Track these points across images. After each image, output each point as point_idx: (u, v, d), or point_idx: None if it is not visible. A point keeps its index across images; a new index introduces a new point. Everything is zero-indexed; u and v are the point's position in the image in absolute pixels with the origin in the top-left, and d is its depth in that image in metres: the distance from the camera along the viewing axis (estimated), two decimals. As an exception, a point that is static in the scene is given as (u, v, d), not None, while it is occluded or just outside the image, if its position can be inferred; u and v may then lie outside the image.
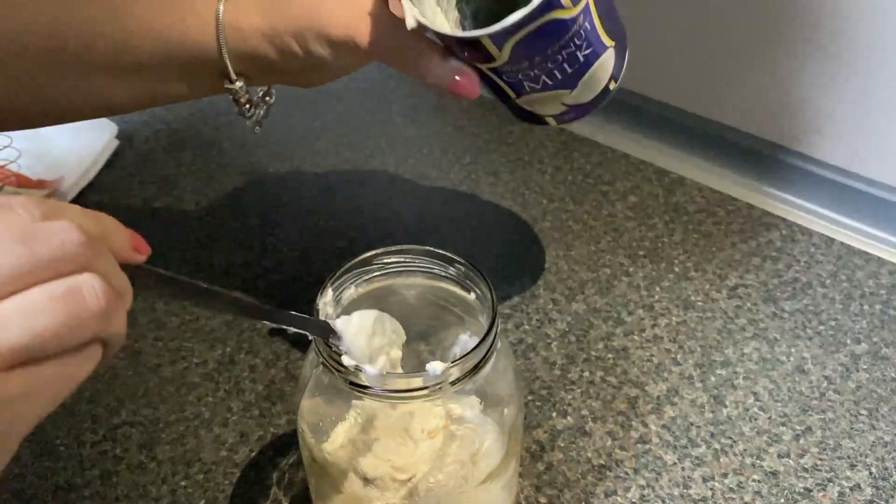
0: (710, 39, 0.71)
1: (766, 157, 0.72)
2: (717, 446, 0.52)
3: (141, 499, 0.49)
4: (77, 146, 0.74)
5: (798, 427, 0.53)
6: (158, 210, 0.70)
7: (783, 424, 0.53)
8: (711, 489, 0.50)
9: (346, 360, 0.36)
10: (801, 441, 0.52)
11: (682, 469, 0.51)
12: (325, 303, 0.39)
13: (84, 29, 0.47)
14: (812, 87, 0.67)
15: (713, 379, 0.56)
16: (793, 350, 0.58)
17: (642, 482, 0.50)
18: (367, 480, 0.41)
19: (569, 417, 0.54)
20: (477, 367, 0.37)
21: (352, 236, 0.68)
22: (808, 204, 0.71)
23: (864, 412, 0.54)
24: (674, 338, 0.59)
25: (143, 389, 0.55)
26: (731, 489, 0.50)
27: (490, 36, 0.40)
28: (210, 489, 0.50)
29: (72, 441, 0.52)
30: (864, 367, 0.57)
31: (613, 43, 0.45)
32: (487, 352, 0.37)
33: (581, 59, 0.43)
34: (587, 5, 0.41)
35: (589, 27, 0.42)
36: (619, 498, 0.49)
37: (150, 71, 0.48)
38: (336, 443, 0.42)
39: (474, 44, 0.41)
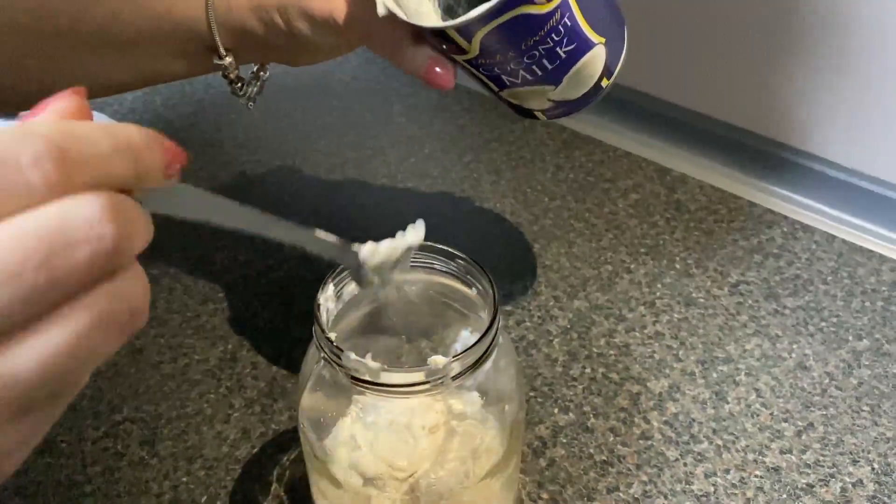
0: (711, 37, 0.71)
1: (768, 155, 0.72)
2: (720, 442, 0.52)
3: (143, 495, 0.49)
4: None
5: (800, 423, 0.53)
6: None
7: (785, 420, 0.53)
8: (714, 485, 0.49)
9: (347, 354, 0.36)
10: (804, 437, 0.52)
11: (685, 465, 0.51)
12: (327, 297, 0.39)
13: (70, 6, 0.46)
14: (813, 84, 0.67)
15: (715, 375, 0.56)
16: (794, 347, 0.58)
17: (644, 478, 0.50)
18: (366, 479, 0.41)
19: (571, 414, 0.54)
20: (478, 362, 0.37)
21: (354, 235, 0.68)
22: (809, 201, 0.71)
23: (865, 408, 0.54)
24: (675, 334, 0.59)
25: (145, 386, 0.55)
26: (733, 485, 0.49)
27: (456, 28, 0.39)
28: (212, 485, 0.50)
29: (73, 437, 0.52)
30: (866, 363, 0.57)
31: (604, 39, 0.44)
32: (489, 347, 0.37)
33: (562, 55, 0.42)
34: (565, 1, 0.40)
35: (569, 23, 0.41)
36: (621, 494, 0.49)
37: (138, 48, 0.48)
38: (337, 439, 0.42)
39: (444, 35, 0.40)
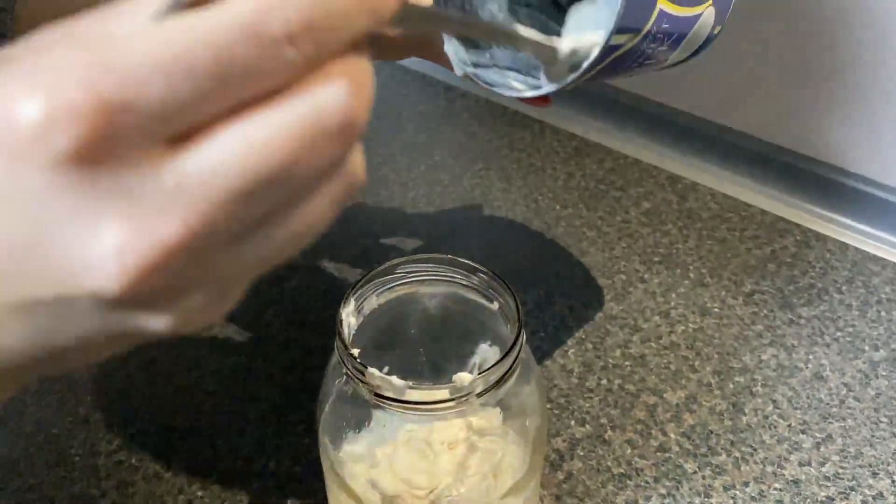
0: (722, 45, 0.71)
1: (779, 163, 0.72)
2: (738, 454, 0.52)
3: (158, 509, 0.49)
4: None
5: (818, 435, 0.53)
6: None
7: (803, 432, 0.53)
8: (733, 498, 0.49)
9: (370, 371, 0.36)
10: (822, 449, 0.52)
11: (703, 477, 0.50)
12: (349, 312, 0.39)
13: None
14: (825, 91, 0.67)
15: (731, 386, 0.56)
16: (811, 357, 0.58)
17: (663, 491, 0.50)
18: (385, 496, 0.41)
19: (587, 426, 0.53)
20: (503, 379, 0.36)
21: (365, 244, 0.68)
22: (821, 209, 0.70)
23: (884, 419, 0.54)
24: (691, 345, 0.59)
25: (159, 398, 0.55)
26: (752, 498, 0.49)
27: (548, 94, 0.39)
28: (227, 499, 0.49)
29: (87, 451, 0.52)
30: (884, 373, 0.57)
31: (710, 2, 0.40)
32: (513, 363, 0.37)
33: (665, 48, 0.40)
34: (661, 12, 0.36)
35: (666, 24, 0.38)
36: (639, 507, 0.49)
37: None
38: (356, 454, 0.42)
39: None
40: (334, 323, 0.60)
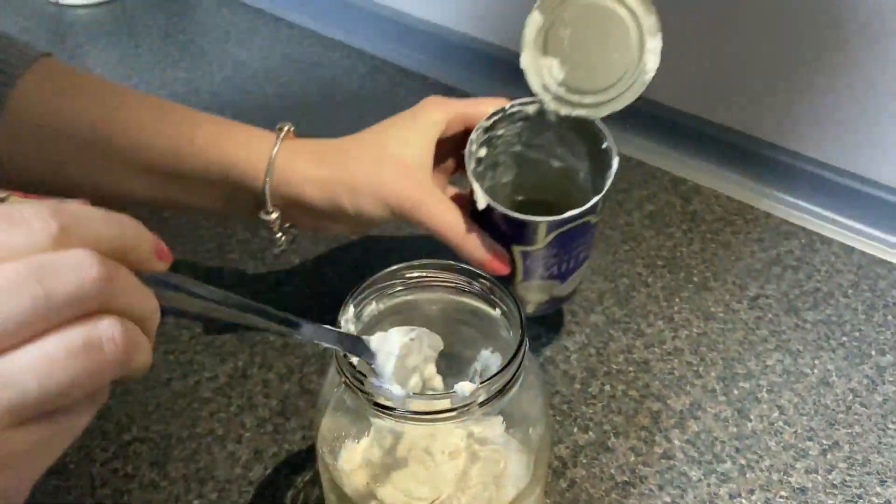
0: (726, 47, 0.70)
1: (784, 166, 0.71)
2: (743, 462, 0.51)
3: (154, 519, 0.48)
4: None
5: (825, 441, 0.52)
6: (167, 220, 0.69)
7: (810, 439, 0.52)
8: (739, 507, 0.48)
9: (370, 380, 0.35)
10: (829, 456, 0.51)
11: (708, 485, 0.49)
12: (347, 319, 0.38)
13: (131, 131, 0.48)
14: (830, 94, 0.66)
15: (736, 392, 0.55)
16: (817, 362, 0.57)
17: (667, 499, 0.49)
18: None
19: (590, 433, 0.52)
20: (505, 388, 0.36)
21: (365, 247, 0.67)
22: (826, 212, 0.70)
23: (892, 426, 0.53)
24: (695, 350, 0.58)
25: (155, 405, 0.54)
26: (758, 507, 0.48)
27: (548, 223, 0.46)
28: (224, 508, 0.48)
29: (82, 459, 0.51)
30: (891, 378, 0.56)
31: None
32: (516, 372, 0.36)
33: (580, 258, 0.51)
34: (598, 225, 0.50)
35: (590, 242, 0.51)
36: (644, 516, 0.48)
37: (184, 180, 0.49)
38: (355, 464, 0.41)
39: (526, 226, 0.47)
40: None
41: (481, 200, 0.47)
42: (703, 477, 0.50)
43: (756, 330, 0.59)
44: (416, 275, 0.40)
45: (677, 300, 0.62)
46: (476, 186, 0.47)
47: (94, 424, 0.53)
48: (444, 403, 0.35)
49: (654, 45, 0.45)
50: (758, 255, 0.66)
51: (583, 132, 0.50)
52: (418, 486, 0.41)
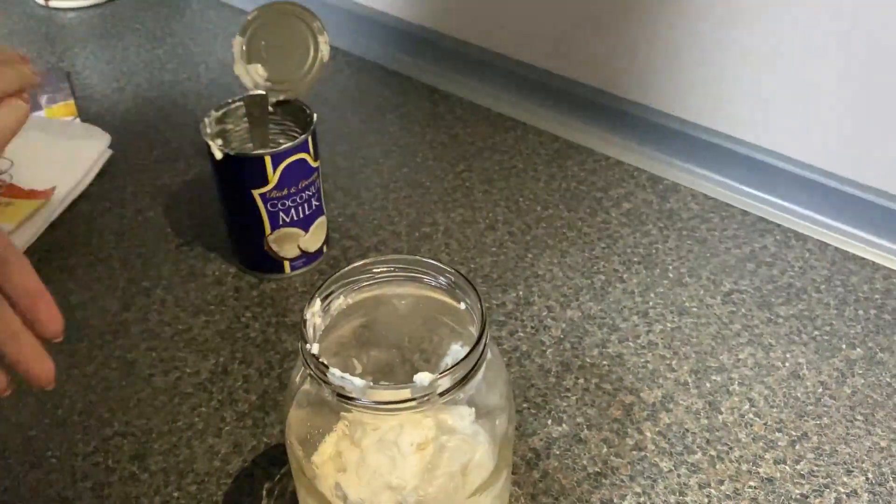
0: (702, 46, 0.71)
1: (760, 164, 0.72)
2: (713, 453, 0.52)
3: (133, 511, 0.49)
4: (69, 156, 0.74)
5: (794, 433, 0.53)
6: (151, 219, 0.70)
7: (779, 430, 0.53)
8: (708, 496, 0.49)
9: (332, 371, 0.36)
10: (797, 447, 0.52)
11: (678, 476, 0.50)
12: (314, 313, 0.39)
13: None
14: (806, 92, 0.67)
15: (708, 385, 0.56)
16: (788, 356, 0.58)
17: (638, 490, 0.50)
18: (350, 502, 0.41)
19: (564, 425, 0.53)
20: (466, 378, 0.36)
21: (345, 245, 0.68)
22: (802, 210, 0.70)
23: (859, 417, 0.54)
24: (668, 344, 0.59)
25: (136, 400, 0.55)
26: (727, 496, 0.49)
27: (272, 155, 0.57)
28: (203, 500, 0.49)
29: (64, 453, 0.52)
30: (860, 372, 0.57)
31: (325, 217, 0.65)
32: (477, 362, 0.37)
33: (313, 204, 0.62)
34: (319, 174, 0.62)
35: (318, 189, 0.62)
36: (613, 506, 0.49)
37: None
38: (324, 455, 0.42)
39: (258, 161, 0.57)
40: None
41: (217, 153, 0.57)
42: (673, 468, 0.51)
43: (729, 324, 0.60)
44: (382, 269, 0.41)
45: (652, 295, 0.63)
46: (211, 143, 0.58)
47: (75, 419, 0.54)
48: (405, 393, 0.36)
49: (325, 38, 0.60)
50: (733, 252, 0.67)
51: (291, 110, 0.62)
52: (384, 479, 0.41)
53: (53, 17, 1.02)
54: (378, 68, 0.91)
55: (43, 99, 0.84)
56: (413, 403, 0.36)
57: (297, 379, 0.40)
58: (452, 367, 0.36)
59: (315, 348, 0.37)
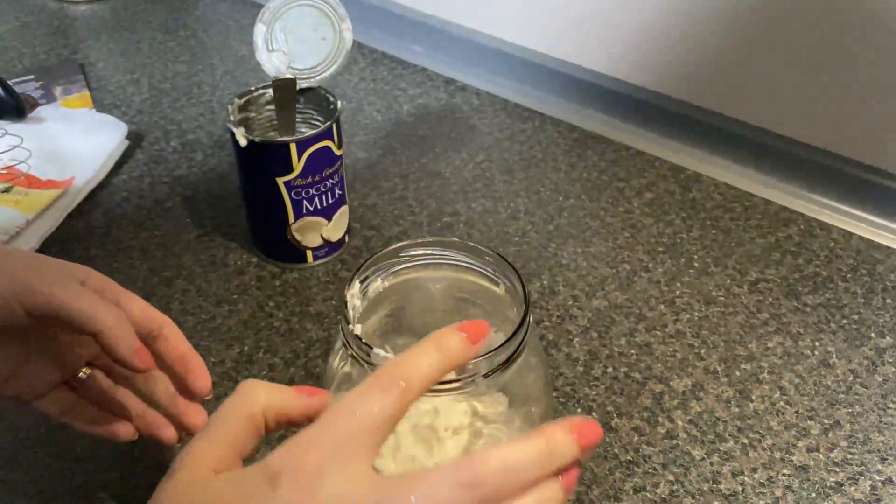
0: (721, 35, 0.71)
1: (783, 153, 0.71)
2: (745, 441, 0.51)
3: (161, 500, 0.48)
4: (87, 147, 0.73)
5: (826, 421, 0.52)
6: (170, 210, 0.70)
7: (811, 418, 0.53)
8: (741, 484, 0.49)
9: (375, 352, 0.35)
10: (830, 435, 0.52)
11: (711, 464, 0.50)
12: (353, 295, 0.38)
13: None
14: (827, 81, 0.67)
15: (738, 374, 0.55)
16: (817, 344, 0.58)
17: (671, 477, 0.49)
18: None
19: (594, 413, 0.53)
20: (510, 360, 0.36)
21: (367, 235, 0.67)
22: (824, 199, 0.70)
23: (892, 405, 0.53)
24: (696, 333, 0.58)
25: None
26: (761, 484, 0.49)
27: (297, 143, 0.57)
28: (231, 490, 0.49)
29: (90, 442, 0.51)
30: (890, 360, 0.56)
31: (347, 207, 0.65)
32: (520, 344, 0.36)
33: (336, 193, 0.62)
34: (342, 159, 0.62)
35: (342, 178, 0.62)
36: (648, 494, 0.48)
37: None
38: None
39: (283, 148, 0.57)
40: (336, 313, 0.59)
41: (242, 140, 0.57)
42: (706, 456, 0.50)
43: (757, 313, 0.60)
44: (420, 252, 0.41)
45: (678, 285, 0.62)
46: (235, 130, 0.57)
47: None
48: (450, 374, 0.35)
49: (347, 25, 0.60)
50: (757, 241, 0.66)
51: (314, 98, 0.62)
52: (421, 462, 0.41)
53: (65, 10, 1.01)
54: (392, 59, 0.91)
55: (58, 90, 0.84)
56: (457, 385, 0.35)
57: (337, 362, 0.40)
58: (497, 348, 0.35)
59: (358, 329, 0.36)
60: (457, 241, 0.41)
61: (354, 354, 0.36)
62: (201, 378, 0.43)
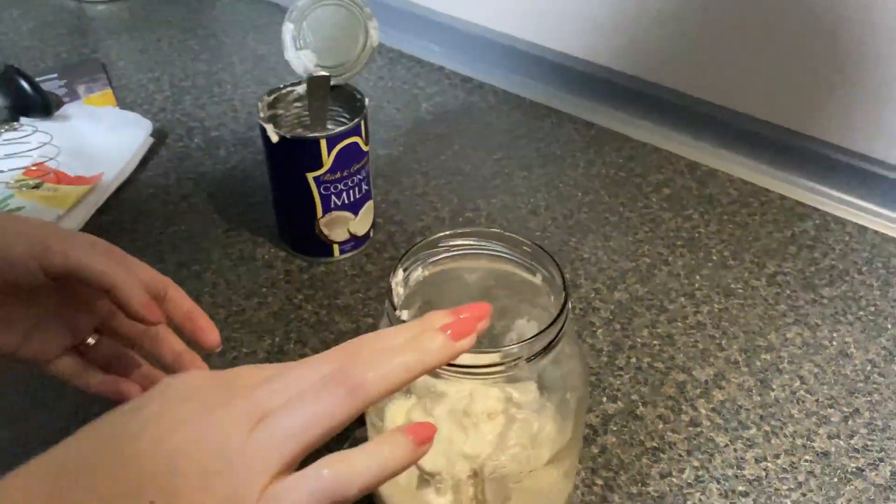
0: (738, 33, 0.72)
1: (797, 149, 0.73)
2: (767, 428, 0.53)
3: (200, 486, 0.49)
4: (114, 143, 0.74)
5: (846, 409, 0.54)
6: (197, 205, 0.71)
7: (831, 406, 0.54)
8: (765, 469, 0.50)
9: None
10: (850, 422, 0.53)
11: (735, 450, 0.51)
12: (397, 282, 0.40)
13: None
14: (839, 76, 0.68)
15: (758, 363, 0.57)
16: (835, 335, 0.59)
17: (696, 463, 0.50)
18: (427, 474, 0.42)
19: (619, 402, 0.54)
20: (552, 344, 0.37)
21: (390, 230, 0.69)
22: (839, 194, 0.71)
23: (909, 394, 0.55)
24: (717, 324, 0.60)
25: (195, 380, 0.56)
26: (784, 469, 0.50)
27: (327, 138, 0.58)
28: (268, 476, 0.50)
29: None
30: (907, 350, 0.58)
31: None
32: (562, 328, 0.37)
33: (363, 189, 0.63)
34: (368, 155, 0.63)
35: (368, 173, 0.63)
36: (674, 479, 0.50)
37: None
38: (394, 423, 0.43)
39: (313, 144, 0.58)
40: (362, 306, 0.61)
41: (273, 136, 0.58)
42: (729, 443, 0.52)
43: (775, 305, 0.61)
44: (459, 242, 0.42)
45: (697, 278, 0.64)
46: (267, 126, 0.58)
47: (136, 398, 0.54)
48: (494, 357, 0.36)
49: (374, 24, 0.61)
50: (774, 235, 0.68)
51: (341, 95, 0.63)
52: (459, 446, 0.42)
53: (84, 10, 1.02)
54: (410, 59, 0.92)
55: (81, 88, 0.85)
56: (501, 368, 0.37)
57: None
58: (540, 332, 0.37)
59: (405, 314, 0.37)
60: (495, 231, 0.42)
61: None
62: (209, 332, 0.45)
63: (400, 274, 0.40)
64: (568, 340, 0.40)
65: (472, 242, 0.42)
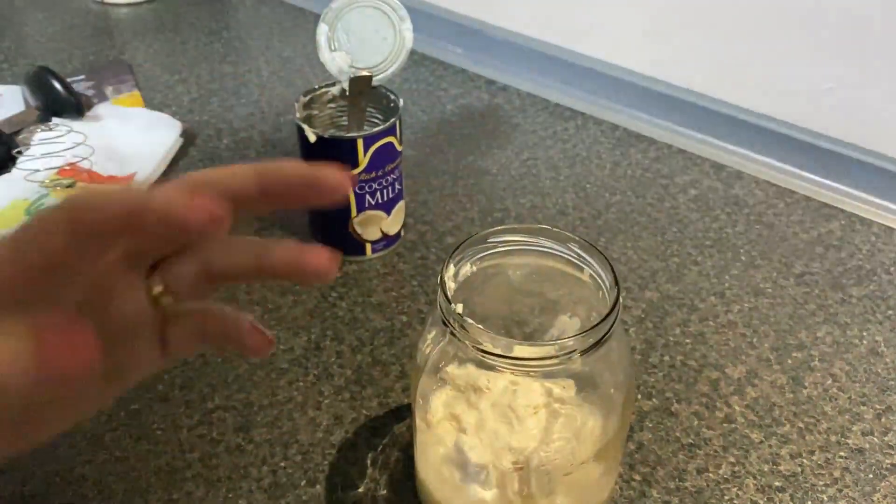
0: (762, 35, 0.73)
1: (823, 151, 0.73)
2: (801, 425, 0.53)
3: (243, 479, 0.50)
4: (145, 143, 0.75)
5: (878, 406, 0.54)
6: (228, 205, 0.72)
7: (863, 404, 0.55)
8: (800, 465, 0.51)
9: (476, 326, 0.37)
10: (883, 420, 0.54)
11: (770, 447, 0.52)
12: (449, 277, 0.40)
13: None
14: (863, 77, 0.69)
15: (790, 361, 0.57)
16: (865, 334, 0.60)
17: (732, 459, 0.51)
18: (470, 464, 0.42)
19: (654, 399, 0.55)
20: (603, 339, 0.38)
21: (421, 230, 0.69)
22: (865, 195, 0.72)
23: (941, 392, 0.55)
24: (748, 323, 0.60)
25: (234, 376, 0.56)
26: (819, 465, 0.51)
27: (364, 138, 0.59)
28: (310, 469, 0.51)
29: (169, 425, 0.53)
30: (937, 349, 0.58)
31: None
32: (614, 322, 0.38)
33: (396, 188, 0.64)
34: (401, 155, 0.64)
35: (401, 173, 0.64)
36: (710, 474, 0.50)
37: None
38: (438, 415, 0.43)
39: (350, 143, 0.59)
40: (396, 304, 0.61)
41: (311, 135, 0.59)
42: (764, 439, 0.52)
43: (804, 304, 0.62)
44: (507, 238, 0.43)
45: (727, 277, 0.64)
46: (304, 126, 0.60)
47: (177, 394, 0.55)
48: (548, 350, 0.37)
49: (407, 25, 0.62)
50: (801, 236, 0.68)
51: (375, 96, 0.64)
52: (505, 439, 0.43)
53: (108, 13, 1.03)
54: (433, 61, 0.93)
55: (109, 90, 0.86)
56: (555, 361, 0.37)
57: (426, 347, 0.42)
58: (594, 326, 0.37)
59: (459, 307, 0.38)
60: (543, 227, 0.42)
61: (455, 331, 0.38)
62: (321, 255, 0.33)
63: (451, 268, 0.41)
64: (617, 335, 0.41)
65: (520, 238, 0.43)
